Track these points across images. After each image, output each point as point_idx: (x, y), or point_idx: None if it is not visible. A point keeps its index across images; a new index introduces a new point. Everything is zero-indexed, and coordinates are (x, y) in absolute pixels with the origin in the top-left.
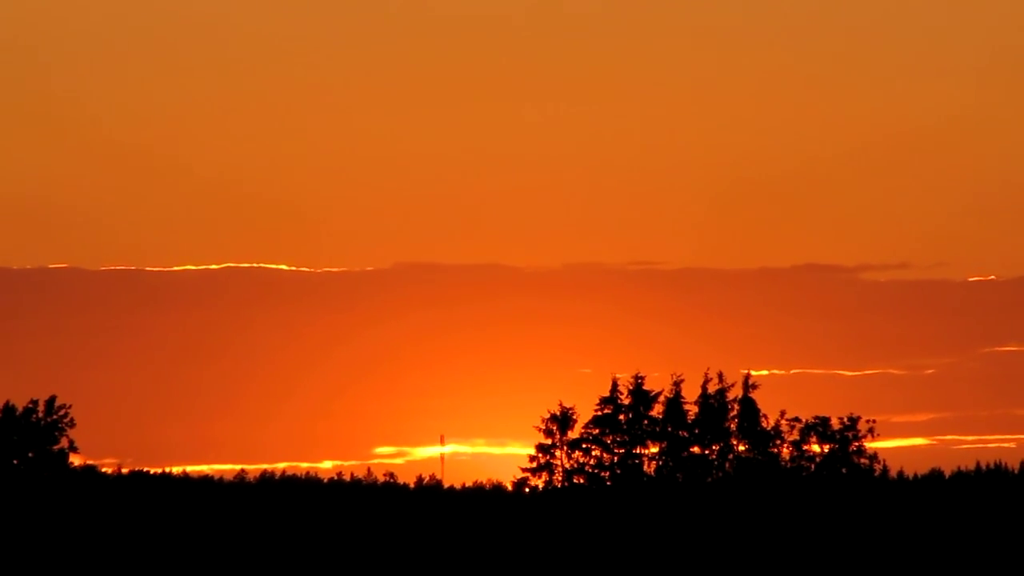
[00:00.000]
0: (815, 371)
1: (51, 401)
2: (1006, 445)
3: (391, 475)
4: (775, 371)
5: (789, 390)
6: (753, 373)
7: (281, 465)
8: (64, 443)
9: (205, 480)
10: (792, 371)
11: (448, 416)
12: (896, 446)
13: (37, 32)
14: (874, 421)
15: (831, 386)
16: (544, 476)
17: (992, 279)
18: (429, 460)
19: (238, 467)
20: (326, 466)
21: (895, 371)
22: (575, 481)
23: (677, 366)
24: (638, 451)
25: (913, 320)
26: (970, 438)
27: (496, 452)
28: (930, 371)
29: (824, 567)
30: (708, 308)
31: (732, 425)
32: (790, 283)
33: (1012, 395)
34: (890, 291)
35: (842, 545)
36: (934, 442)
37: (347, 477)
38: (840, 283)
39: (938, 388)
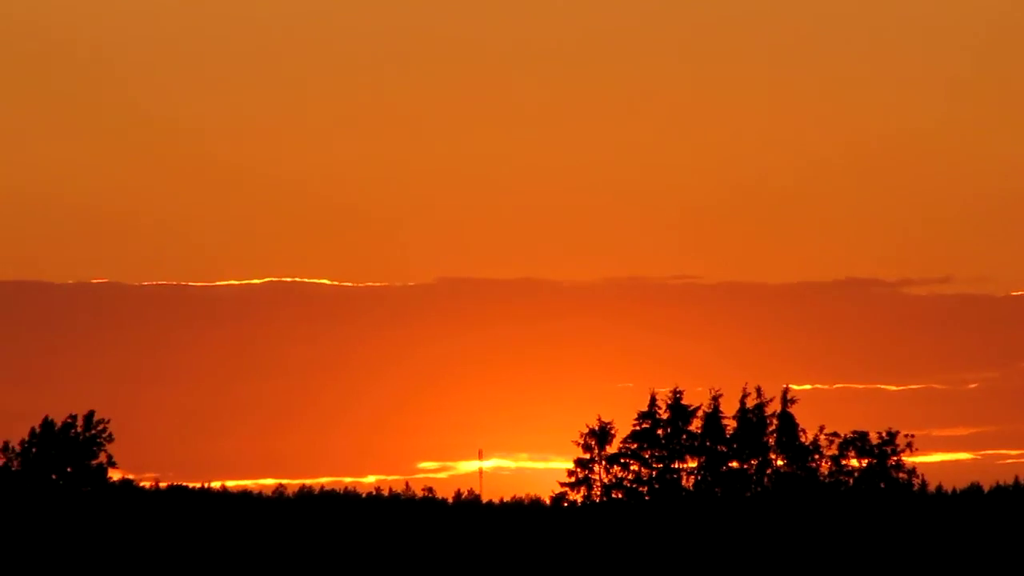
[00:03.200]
0: (857, 386)
1: (90, 416)
2: None
3: (430, 490)
4: (818, 386)
5: (831, 405)
6: (795, 388)
7: (323, 480)
8: (103, 458)
9: (244, 495)
10: (835, 386)
11: (490, 431)
12: (939, 460)
13: (82, 43)
14: (912, 436)
15: (874, 401)
16: (583, 491)
17: None
18: (471, 475)
19: (276, 482)
20: (369, 481)
21: (938, 385)
22: (613, 496)
23: (717, 380)
24: (676, 466)
25: (955, 334)
26: (1014, 452)
27: (537, 467)
28: (973, 385)
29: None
30: (748, 322)
31: (771, 440)
32: (831, 297)
33: None
34: (932, 305)
35: (879, 559)
36: (978, 456)
37: (386, 492)
38: (881, 297)
39: (981, 402)
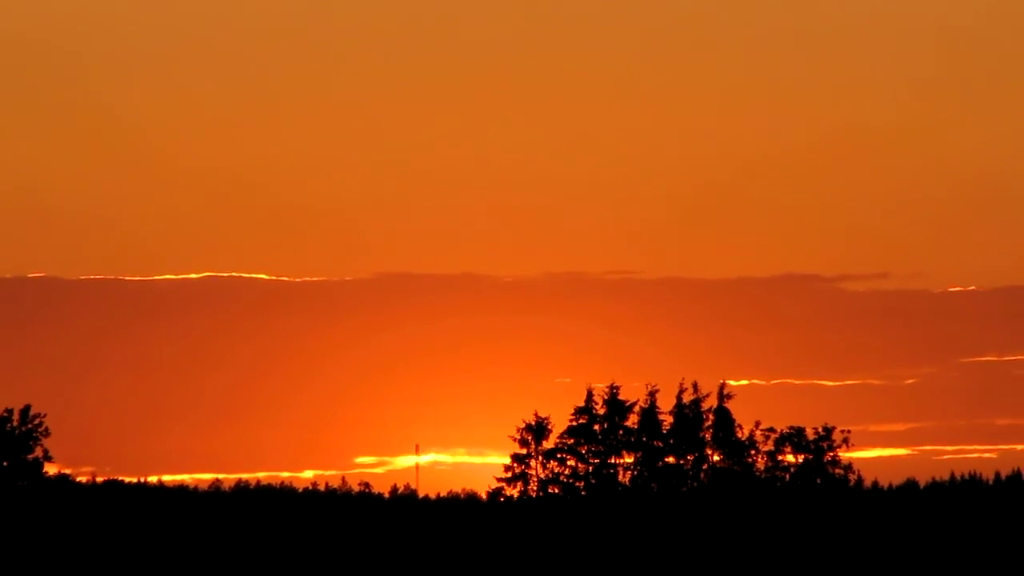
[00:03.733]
0: (795, 381)
1: (26, 410)
2: (987, 455)
3: (367, 485)
4: (755, 381)
5: (768, 400)
6: (733, 383)
7: (260, 475)
8: (39, 452)
9: (180, 489)
10: (772, 381)
11: (428, 425)
12: (876, 456)
13: (14, 36)
14: (849, 431)
15: (811, 396)
16: (519, 486)
17: (972, 289)
18: (408, 470)
19: (213, 476)
20: (307, 476)
21: (875, 381)
22: (550, 491)
23: (654, 376)
24: (613, 461)
25: (893, 330)
26: (950, 448)
27: (475, 461)
28: (910, 381)
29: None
30: (686, 317)
31: (707, 435)
32: (769, 293)
33: (992, 405)
34: (870, 301)
35: (816, 553)
36: (914, 452)
37: (323, 487)
38: (819, 293)
39: (918, 398)
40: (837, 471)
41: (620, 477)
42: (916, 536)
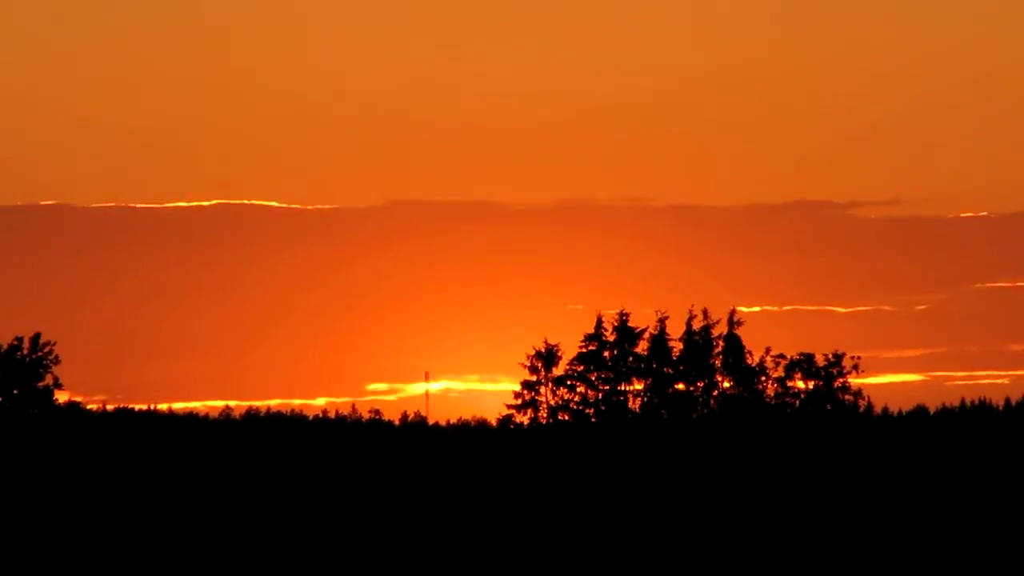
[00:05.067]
0: (806, 308)
1: (36, 338)
2: (999, 381)
3: (377, 412)
4: (768, 307)
5: (779, 327)
6: (744, 310)
7: (272, 402)
8: (49, 380)
9: (190, 417)
10: (783, 308)
11: (439, 353)
12: (888, 382)
13: None
14: (859, 358)
15: (822, 323)
16: (529, 413)
17: (984, 215)
18: (419, 397)
19: (223, 404)
20: (319, 403)
21: (887, 307)
22: (560, 418)
23: (666, 303)
24: (623, 388)
25: (905, 256)
26: (962, 374)
27: (486, 388)
28: (922, 307)
29: (807, 502)
30: (697, 245)
31: (717, 362)
32: (780, 219)
33: (1004, 331)
34: (881, 227)
35: (825, 479)
36: (926, 378)
37: (333, 415)
38: (831, 219)
39: (930, 324)
40: (847, 397)
41: (630, 404)
42: (925, 462)
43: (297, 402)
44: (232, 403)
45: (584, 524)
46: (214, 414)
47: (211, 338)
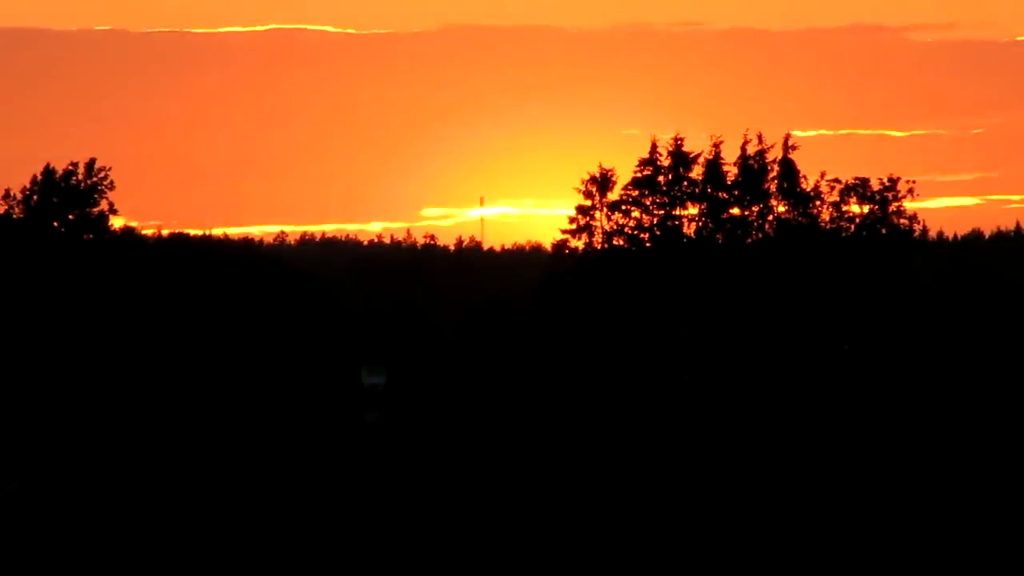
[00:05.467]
0: (862, 132)
1: (91, 164)
2: None
3: (432, 237)
4: (823, 131)
5: (835, 151)
6: (800, 134)
7: (327, 227)
8: (104, 206)
9: (245, 242)
10: (839, 132)
11: (494, 177)
12: (943, 207)
13: None
14: (914, 182)
15: (878, 147)
16: (584, 238)
17: None
18: (475, 222)
19: (278, 229)
20: (374, 228)
21: (942, 131)
22: (615, 243)
23: (721, 127)
24: (677, 212)
25: (960, 80)
26: (1016, 197)
27: (541, 213)
28: (977, 131)
29: (856, 324)
30: (753, 69)
31: (771, 186)
32: (836, 43)
33: None
34: (937, 51)
35: (878, 303)
36: (982, 202)
37: (388, 240)
38: (887, 43)
39: (985, 147)
40: (902, 221)
41: (684, 229)
42: (979, 285)
43: (352, 227)
44: (286, 228)
45: (637, 350)
46: (269, 239)
47: (265, 164)
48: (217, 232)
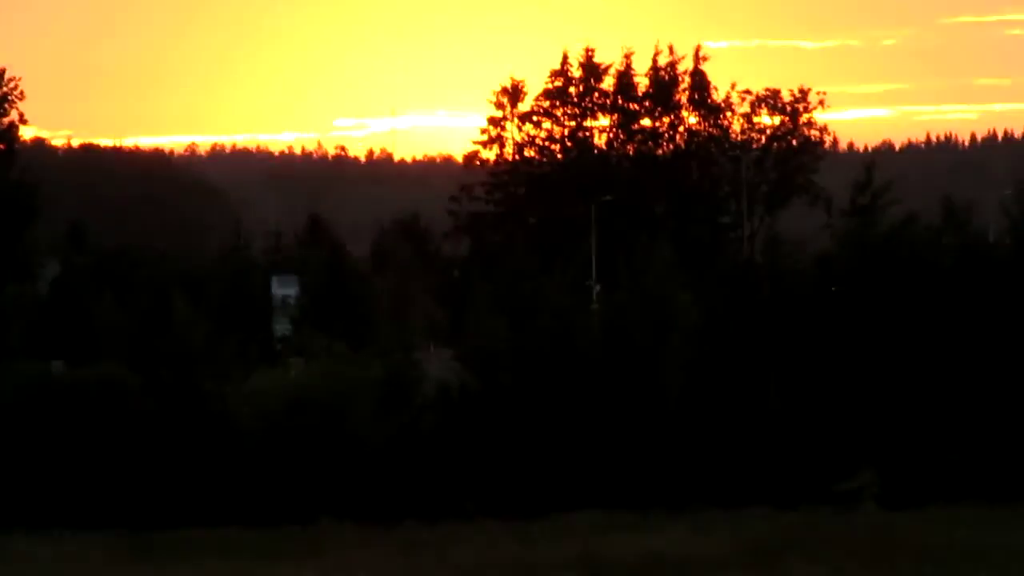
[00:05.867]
0: (773, 42)
1: (0, 74)
2: (966, 115)
3: (343, 148)
4: (734, 42)
5: (746, 63)
6: (711, 45)
7: (239, 137)
8: (14, 116)
9: (156, 153)
10: (751, 42)
11: (408, 88)
12: (855, 120)
13: None
14: (825, 93)
15: (789, 58)
16: (495, 148)
17: None
18: (387, 134)
19: (190, 139)
20: (285, 139)
21: (854, 42)
22: (525, 154)
23: (633, 39)
24: (588, 123)
25: None
26: (928, 109)
27: (455, 125)
28: (889, 42)
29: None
30: None
31: (682, 98)
32: None
33: (972, 66)
34: None
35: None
36: (892, 112)
37: (300, 151)
38: None
39: (897, 59)
40: (812, 133)
41: (595, 140)
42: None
43: (263, 137)
44: (197, 139)
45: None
46: (180, 150)
47: (176, 73)
48: (128, 143)
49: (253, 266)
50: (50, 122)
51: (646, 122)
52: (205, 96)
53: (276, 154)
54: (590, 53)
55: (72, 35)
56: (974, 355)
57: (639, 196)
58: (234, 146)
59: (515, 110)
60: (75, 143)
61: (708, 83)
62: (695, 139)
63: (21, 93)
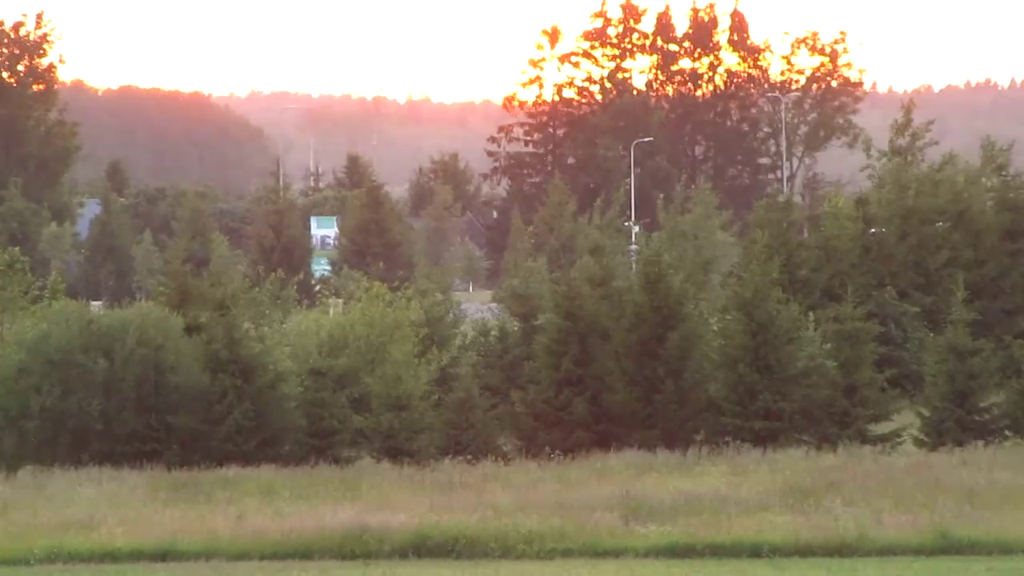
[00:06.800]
0: None
1: (40, 15)
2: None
3: (383, 90)
4: None
5: (789, 3)
6: None
7: (278, 79)
8: (55, 58)
9: (196, 96)
10: None
11: (446, 29)
12: (895, 59)
13: None
14: (864, 34)
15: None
16: (535, 89)
17: None
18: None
19: (230, 82)
20: (325, 81)
21: None
22: (564, 95)
23: None
24: (627, 65)
25: None
26: (967, 50)
27: (495, 67)
28: None
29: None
30: None
31: (721, 39)
32: None
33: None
34: None
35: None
36: (933, 54)
37: (338, 93)
38: None
39: (939, 1)
40: (851, 74)
41: (634, 81)
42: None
43: (302, 80)
44: (237, 81)
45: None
46: (220, 92)
47: (215, 17)
48: (168, 88)
49: (292, 207)
50: (90, 64)
51: (685, 63)
52: (245, 40)
53: (315, 96)
54: None
55: None
56: (1013, 294)
57: (678, 137)
58: (273, 90)
59: (554, 51)
60: (115, 85)
61: (747, 24)
62: (734, 80)
63: (61, 34)
